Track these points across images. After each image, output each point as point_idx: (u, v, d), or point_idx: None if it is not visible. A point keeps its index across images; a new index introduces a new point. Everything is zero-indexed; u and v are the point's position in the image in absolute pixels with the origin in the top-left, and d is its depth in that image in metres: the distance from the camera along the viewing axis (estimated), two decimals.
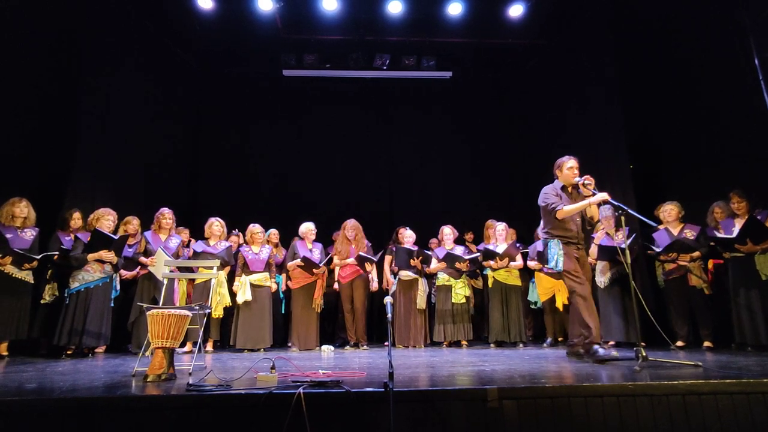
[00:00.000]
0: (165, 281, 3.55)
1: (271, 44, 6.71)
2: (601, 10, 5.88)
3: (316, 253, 5.09)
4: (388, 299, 2.45)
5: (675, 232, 4.61)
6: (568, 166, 3.53)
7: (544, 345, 5.07)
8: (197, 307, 3.12)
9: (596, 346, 3.29)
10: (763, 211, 4.22)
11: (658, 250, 4.55)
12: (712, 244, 4.41)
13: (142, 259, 4.56)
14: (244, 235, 5.19)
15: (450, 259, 5.08)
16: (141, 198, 5.52)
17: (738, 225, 4.25)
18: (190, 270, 4.47)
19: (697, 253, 4.47)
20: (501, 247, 5.14)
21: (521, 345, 4.95)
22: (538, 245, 4.79)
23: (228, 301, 4.68)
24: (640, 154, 5.51)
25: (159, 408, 2.05)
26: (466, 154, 7.57)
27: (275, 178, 7.15)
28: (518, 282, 5.16)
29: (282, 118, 7.44)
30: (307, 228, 5.20)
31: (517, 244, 5.32)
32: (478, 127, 7.66)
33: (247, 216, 5.17)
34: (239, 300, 4.69)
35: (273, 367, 2.59)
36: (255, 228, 4.98)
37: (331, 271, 5.31)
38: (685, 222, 4.67)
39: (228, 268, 4.87)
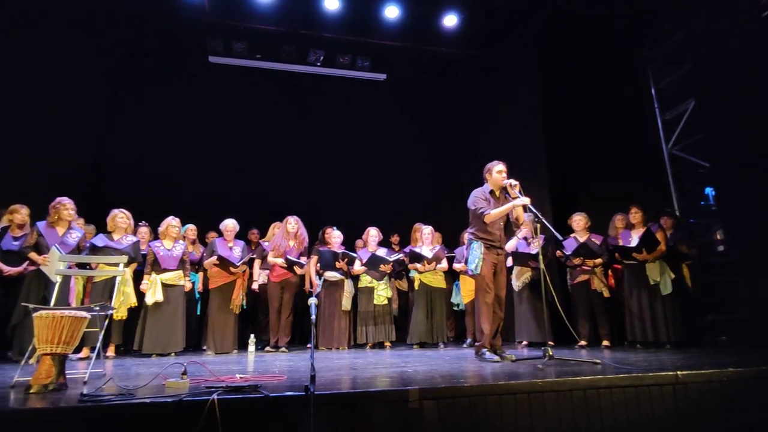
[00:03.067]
0: (58, 279, 3.20)
1: (197, 27, 6.34)
2: (529, 33, 6.22)
3: (236, 251, 4.92)
4: (312, 300, 2.42)
5: (582, 240, 4.98)
6: (497, 169, 3.65)
7: (464, 345, 5.22)
8: (97, 308, 2.85)
9: (484, 350, 3.52)
10: (654, 224, 4.72)
11: (567, 253, 4.91)
12: (612, 252, 4.83)
13: (33, 255, 4.12)
14: (155, 229, 4.87)
15: (373, 261, 5.11)
16: (43, 189, 4.95)
17: (635, 235, 4.72)
18: (89, 267, 4.09)
19: (599, 260, 4.87)
20: (425, 250, 5.24)
21: (442, 345, 5.07)
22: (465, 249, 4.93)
23: (133, 301, 4.39)
24: (557, 167, 5.94)
25: (45, 423, 1.83)
26: (395, 157, 7.67)
27: (195, 173, 6.79)
28: (443, 284, 5.30)
29: (205, 109, 7.06)
30: (228, 225, 4.99)
31: (443, 248, 5.46)
32: (408, 132, 7.80)
33: (164, 213, 4.84)
34: (148, 301, 4.40)
35: (184, 373, 2.46)
36: (171, 221, 4.71)
37: (250, 270, 5.14)
38: (591, 232, 5.06)
39: (134, 265, 4.56)
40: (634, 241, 4.65)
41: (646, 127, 5.69)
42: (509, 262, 5.18)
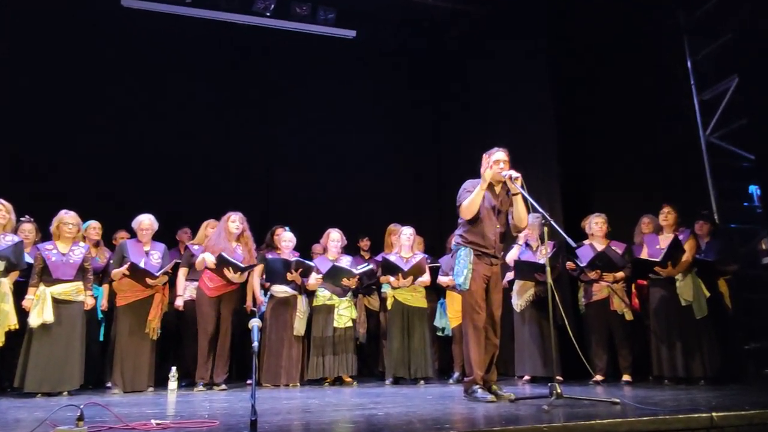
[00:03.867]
0: None
1: None
2: None
3: (155, 257, 4.86)
4: (254, 323, 2.40)
5: (600, 248, 5.06)
6: (494, 158, 3.69)
7: (450, 381, 5.27)
8: None
9: (475, 387, 3.55)
10: (686, 230, 4.84)
11: (582, 264, 5.00)
12: (637, 263, 4.92)
13: None
14: (46, 227, 4.75)
15: (335, 272, 5.09)
16: None
17: (663, 240, 4.85)
18: None
19: (621, 273, 4.97)
20: (402, 259, 5.24)
21: (422, 382, 5.11)
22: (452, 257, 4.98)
23: (13, 323, 4.28)
24: (570, 157, 6.05)
25: None
26: (366, 139, 7.67)
27: (101, 153, 6.64)
28: (424, 303, 5.32)
29: (116, 70, 6.90)
30: (143, 222, 4.89)
31: (426, 256, 5.49)
32: (384, 107, 7.83)
33: (58, 206, 4.74)
34: (33, 322, 4.29)
35: (81, 418, 2.41)
36: (66, 216, 4.58)
37: (173, 284, 5.10)
38: (611, 238, 5.14)
39: (15, 274, 4.45)
40: (661, 248, 4.76)
41: (679, 109, 5.84)
42: (509, 275, 5.28)
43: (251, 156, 7.38)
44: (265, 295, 5.29)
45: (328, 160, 7.49)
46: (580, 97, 6.24)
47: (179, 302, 5.13)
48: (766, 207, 5.28)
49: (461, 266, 3.64)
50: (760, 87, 5.15)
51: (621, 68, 5.98)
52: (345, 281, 5.12)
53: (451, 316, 5.45)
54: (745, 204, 5.68)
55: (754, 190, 5.60)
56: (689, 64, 5.90)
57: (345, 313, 5.17)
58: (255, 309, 5.20)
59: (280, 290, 5.19)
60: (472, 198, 3.61)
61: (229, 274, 4.82)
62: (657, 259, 4.69)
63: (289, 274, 5.13)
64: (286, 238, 5.33)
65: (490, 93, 6.90)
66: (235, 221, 4.99)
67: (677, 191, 5.50)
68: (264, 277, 5.26)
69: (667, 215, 4.85)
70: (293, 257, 5.24)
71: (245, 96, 7.45)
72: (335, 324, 5.12)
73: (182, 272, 5.17)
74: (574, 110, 6.17)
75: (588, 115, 6.21)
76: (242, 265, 4.85)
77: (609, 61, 6.03)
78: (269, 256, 5.23)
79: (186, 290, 5.18)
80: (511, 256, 5.22)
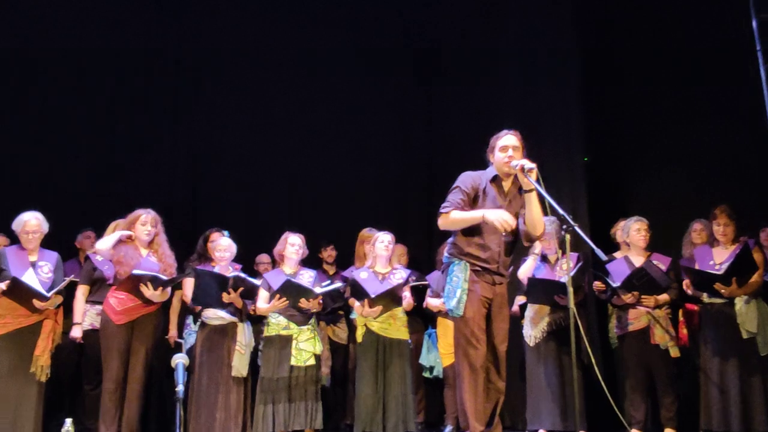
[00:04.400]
0: None
1: None
2: None
3: (44, 271, 4.78)
4: (179, 359, 2.42)
5: (638, 263, 5.00)
6: (501, 144, 3.73)
7: None
8: None
9: None
10: (749, 240, 4.79)
11: (615, 284, 4.94)
12: (684, 281, 4.89)
13: None
14: None
15: (289, 290, 4.98)
16: None
17: (718, 254, 4.80)
18: None
19: (665, 296, 4.93)
20: (374, 277, 5.18)
21: None
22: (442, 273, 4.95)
23: None
24: (599, 143, 6.05)
25: None
26: (334, 113, 7.60)
27: None
28: (405, 335, 5.23)
29: None
30: (28, 224, 4.79)
31: (410, 273, 5.43)
32: (361, 70, 7.71)
33: None
34: None
35: None
36: None
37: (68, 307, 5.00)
38: (651, 250, 5.11)
39: None
40: (719, 264, 4.70)
41: (739, 83, 5.84)
42: (520, 299, 5.27)
43: (173, 134, 7.33)
44: (195, 322, 5.17)
45: (278, 144, 7.41)
46: (614, 66, 6.24)
47: (77, 332, 5.05)
48: None
49: (454, 285, 3.64)
50: None
51: (668, 27, 6.01)
52: (303, 302, 5.03)
53: (443, 351, 5.41)
54: None
55: None
56: (754, 23, 5.86)
57: (306, 347, 5.07)
58: (180, 341, 5.13)
59: (214, 316, 5.04)
60: (464, 218, 3.64)
61: (148, 291, 4.74)
62: (718, 272, 4.63)
63: (225, 294, 4.97)
64: (223, 246, 5.20)
65: (499, 57, 6.88)
66: (146, 223, 4.93)
67: (736, 190, 5.51)
68: (192, 297, 5.11)
69: (724, 227, 4.81)
70: (232, 272, 5.12)
71: (162, 41, 7.40)
72: (293, 361, 5.02)
73: (82, 291, 5.07)
74: (606, 82, 6.19)
75: (624, 90, 6.22)
76: (165, 278, 4.77)
77: (653, 18, 6.04)
78: (200, 269, 5.08)
79: (86, 315, 5.11)
80: (525, 272, 5.19)
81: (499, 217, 3.47)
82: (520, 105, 6.35)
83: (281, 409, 4.97)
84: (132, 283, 4.74)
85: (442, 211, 3.69)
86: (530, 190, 3.58)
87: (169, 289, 4.94)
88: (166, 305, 5.22)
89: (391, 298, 5.10)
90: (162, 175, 7.19)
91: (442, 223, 3.71)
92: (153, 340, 4.96)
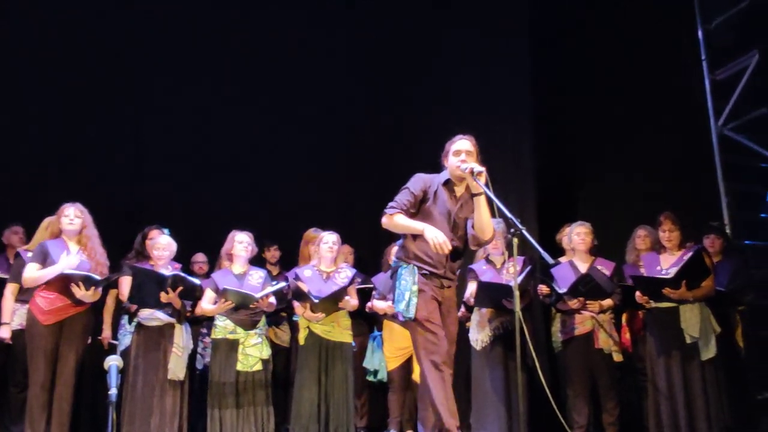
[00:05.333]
0: None
1: None
2: None
3: None
4: (112, 361, 2.42)
5: (583, 268, 5.07)
6: (454, 149, 3.76)
7: None
8: None
9: None
10: (695, 246, 4.84)
11: (561, 290, 4.98)
12: (632, 288, 4.88)
13: None
14: None
15: (233, 293, 4.92)
16: None
17: (666, 260, 4.83)
18: None
19: (608, 301, 4.97)
20: (318, 276, 5.16)
21: None
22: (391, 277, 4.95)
23: None
24: (547, 148, 6.13)
25: None
26: (279, 111, 7.57)
27: None
28: (348, 338, 5.25)
29: None
30: None
31: (354, 273, 5.39)
32: (307, 65, 7.68)
33: None
34: None
35: None
36: None
37: None
38: (596, 255, 5.16)
39: None
40: (666, 269, 4.75)
41: (685, 92, 6.00)
42: (469, 299, 5.23)
43: (114, 133, 7.18)
44: (130, 322, 5.07)
45: (220, 141, 7.37)
46: (564, 74, 6.34)
47: (4, 332, 5.01)
48: None
49: (403, 288, 3.63)
50: None
51: (616, 36, 6.10)
52: (253, 305, 5.00)
53: (388, 354, 5.44)
54: (763, 215, 5.88)
55: None
56: (700, 33, 6.06)
57: (253, 353, 5.03)
58: (115, 342, 5.00)
59: (151, 316, 4.94)
60: (407, 225, 3.66)
61: (80, 291, 4.62)
62: (667, 277, 4.64)
63: (164, 294, 4.86)
64: (162, 244, 5.11)
65: (452, 66, 6.96)
66: (69, 216, 4.80)
67: (681, 197, 5.59)
68: (128, 296, 4.97)
69: (670, 234, 4.83)
70: (171, 271, 5.04)
71: (103, 45, 7.27)
72: (239, 366, 4.99)
73: (10, 290, 5.01)
74: (556, 89, 6.28)
75: (573, 97, 6.32)
76: (97, 277, 4.65)
77: (600, 27, 6.15)
78: (138, 266, 4.98)
79: (15, 315, 5.04)
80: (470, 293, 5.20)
81: (436, 238, 3.49)
82: (471, 109, 6.39)
83: (229, 415, 4.94)
84: (62, 283, 4.62)
85: (387, 211, 3.68)
86: (479, 194, 3.61)
87: (101, 288, 4.82)
88: (98, 305, 5.09)
89: (334, 300, 5.08)
90: (100, 171, 7.02)
91: (386, 222, 3.71)
92: (83, 341, 4.86)
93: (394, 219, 3.65)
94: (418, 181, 3.76)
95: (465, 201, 3.78)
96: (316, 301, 4.99)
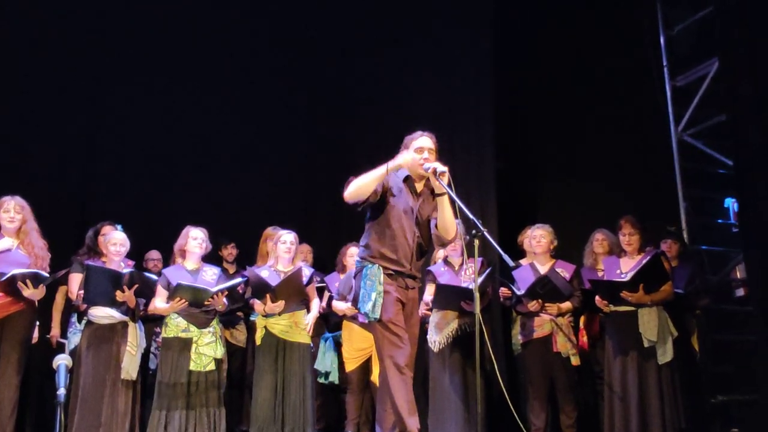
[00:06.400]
0: None
1: None
2: None
3: None
4: (61, 360, 2.43)
5: (543, 270, 5.09)
6: (417, 145, 3.73)
7: None
8: None
9: None
10: (653, 250, 4.95)
11: (519, 292, 5.00)
12: (590, 291, 4.99)
13: None
14: None
15: (184, 292, 4.87)
16: None
17: (626, 264, 4.91)
18: None
19: (567, 304, 5.01)
20: (275, 275, 5.13)
21: None
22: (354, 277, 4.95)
23: None
24: (509, 149, 6.17)
25: None
26: (237, 105, 7.56)
27: None
28: (306, 338, 5.21)
29: None
30: None
31: (312, 272, 5.40)
32: (265, 58, 7.68)
33: None
34: None
35: None
36: None
37: None
38: (555, 257, 5.23)
39: None
40: (625, 272, 4.83)
41: (647, 96, 6.12)
42: (428, 302, 5.25)
43: (64, 123, 7.04)
44: (80, 320, 5.00)
45: (176, 135, 7.30)
46: (526, 76, 6.42)
47: None
48: (744, 225, 5.39)
49: (368, 289, 3.60)
50: (743, 74, 5.20)
51: (578, 39, 6.18)
52: (210, 300, 4.92)
53: (347, 356, 5.44)
54: (719, 221, 6.01)
55: (730, 203, 5.93)
56: (662, 38, 6.21)
57: (207, 351, 4.97)
58: (64, 341, 4.97)
59: (104, 314, 4.87)
60: (366, 178, 3.58)
61: (27, 290, 4.53)
62: (624, 280, 4.73)
63: (119, 292, 4.81)
64: (116, 240, 5.02)
65: (413, 59, 6.99)
66: (8, 210, 4.69)
67: (640, 200, 5.71)
68: (80, 293, 4.93)
69: (629, 237, 4.89)
70: (125, 268, 4.99)
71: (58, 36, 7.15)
72: (192, 366, 4.93)
73: None
74: (518, 91, 6.36)
75: (535, 99, 6.40)
76: (45, 275, 4.56)
77: (564, 29, 6.22)
78: (89, 263, 4.91)
79: None
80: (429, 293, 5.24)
81: (412, 156, 3.58)
82: (432, 108, 6.40)
83: (177, 416, 4.87)
84: (7, 281, 4.51)
85: (346, 185, 3.66)
86: (442, 194, 3.63)
87: (44, 287, 4.73)
88: (43, 302, 4.97)
89: (294, 290, 5.05)
90: (51, 163, 6.96)
91: (348, 192, 3.61)
92: (26, 339, 4.76)
93: (353, 182, 3.60)
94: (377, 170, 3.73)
95: (425, 197, 3.79)
96: (274, 284, 4.95)
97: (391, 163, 3.58)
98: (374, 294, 3.56)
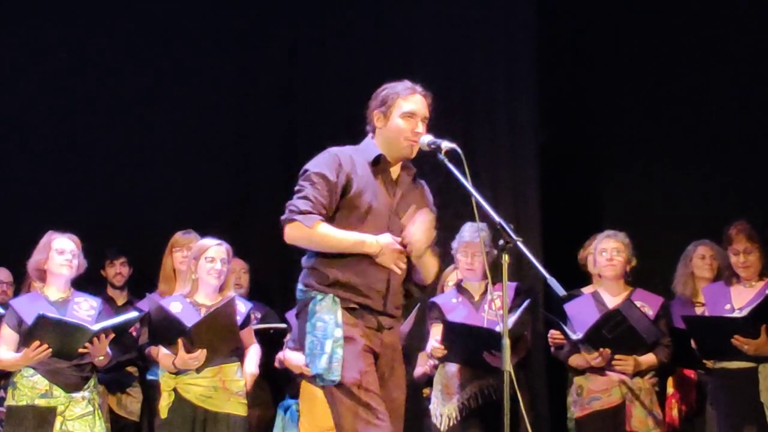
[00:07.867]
0: None
1: None
2: None
3: None
4: None
5: (613, 302, 4.81)
6: (407, 108, 3.43)
7: None
8: None
9: None
10: None
11: (574, 336, 4.69)
12: (685, 334, 4.69)
13: None
14: None
15: (50, 329, 4.73)
16: None
17: (739, 297, 4.63)
18: None
19: (650, 356, 4.73)
20: (193, 310, 4.92)
21: None
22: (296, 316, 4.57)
23: None
24: (560, 125, 6.11)
25: None
26: (140, 77, 7.44)
27: None
28: (241, 408, 4.99)
29: None
30: None
31: (250, 307, 5.23)
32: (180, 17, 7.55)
33: None
34: None
35: None
36: None
37: None
38: (634, 286, 4.97)
39: None
40: (739, 308, 4.62)
41: (752, 58, 5.94)
42: (431, 352, 4.92)
43: None
44: None
45: (42, 105, 7.25)
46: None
47: None
48: None
49: (319, 335, 3.32)
50: None
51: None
52: (83, 348, 4.75)
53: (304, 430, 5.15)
54: None
55: None
56: None
57: (79, 428, 4.83)
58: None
59: None
60: (337, 238, 3.35)
61: None
62: (737, 317, 4.54)
63: None
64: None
65: None
66: None
67: (760, 201, 5.58)
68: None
69: (745, 256, 4.68)
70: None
71: None
72: None
73: None
74: (574, 27, 6.23)
75: (601, 41, 6.25)
76: None
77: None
78: None
79: None
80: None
81: (391, 252, 3.29)
82: (438, 42, 6.28)
83: None
84: None
85: (296, 218, 3.27)
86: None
87: None
88: None
89: (222, 333, 4.79)
90: None
91: (295, 236, 3.34)
92: None
93: (317, 230, 3.29)
94: (331, 162, 3.38)
95: (407, 188, 3.54)
96: (189, 325, 4.66)
97: (373, 244, 3.36)
98: (330, 342, 3.27)
